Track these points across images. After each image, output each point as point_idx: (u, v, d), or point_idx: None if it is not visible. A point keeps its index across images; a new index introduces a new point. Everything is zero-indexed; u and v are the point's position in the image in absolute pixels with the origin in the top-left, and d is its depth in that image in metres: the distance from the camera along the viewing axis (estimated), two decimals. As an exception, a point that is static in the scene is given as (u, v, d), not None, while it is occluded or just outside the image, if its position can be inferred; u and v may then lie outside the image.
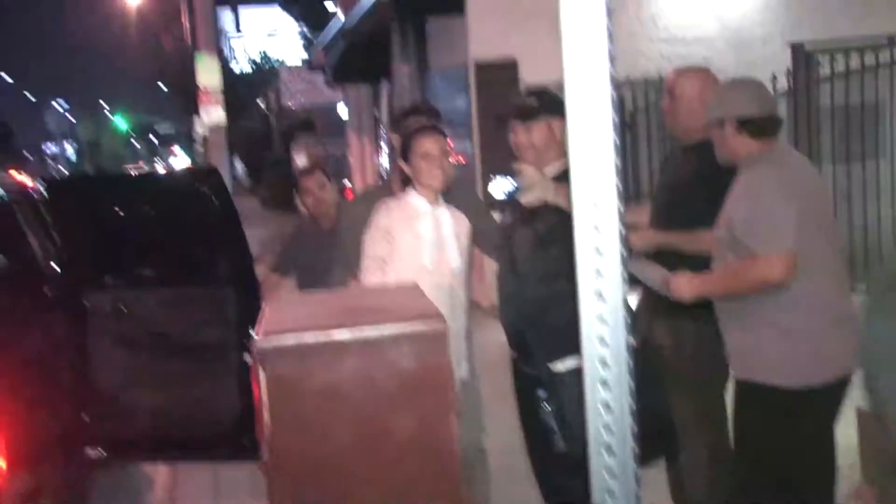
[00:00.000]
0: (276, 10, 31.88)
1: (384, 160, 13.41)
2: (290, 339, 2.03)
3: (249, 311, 4.47)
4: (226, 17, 36.87)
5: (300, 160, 22.47)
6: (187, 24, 20.40)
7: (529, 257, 3.14)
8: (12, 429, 3.54)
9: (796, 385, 2.80)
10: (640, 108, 8.82)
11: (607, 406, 1.21)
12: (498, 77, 8.68)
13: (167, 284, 4.47)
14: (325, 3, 20.95)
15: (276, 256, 4.77)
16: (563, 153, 3.10)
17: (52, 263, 4.60)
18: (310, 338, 2.04)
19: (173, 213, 4.66)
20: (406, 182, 3.46)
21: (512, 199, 3.33)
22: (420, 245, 3.37)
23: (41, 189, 4.76)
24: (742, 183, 2.93)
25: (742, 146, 2.99)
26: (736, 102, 2.99)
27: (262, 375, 2.03)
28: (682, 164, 3.50)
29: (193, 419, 4.36)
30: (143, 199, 4.55)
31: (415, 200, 3.44)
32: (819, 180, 3.21)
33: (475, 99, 8.73)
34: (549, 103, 3.19)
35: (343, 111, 20.59)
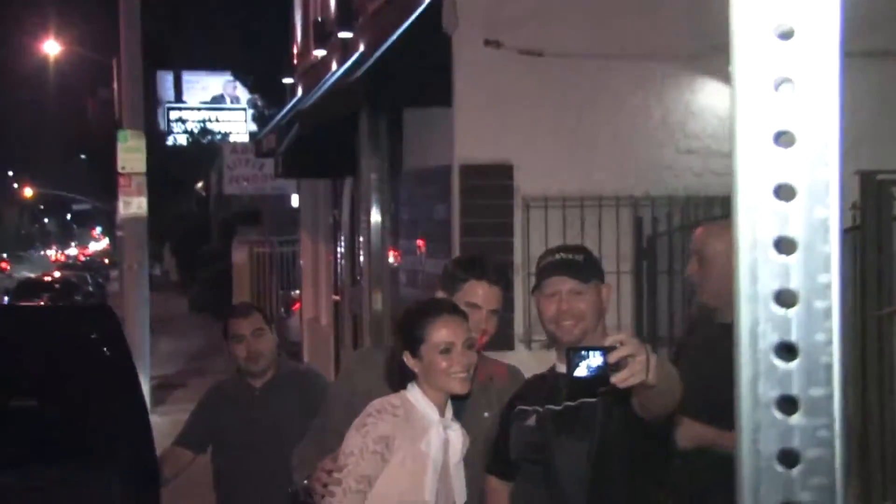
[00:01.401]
0: (225, 79, 32.06)
1: (343, 272, 13.04)
2: None
3: (139, 500, 4.06)
4: (167, 82, 37.07)
5: (239, 257, 22.33)
6: (116, 90, 20.24)
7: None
8: None
9: None
10: (661, 231, 8.58)
11: None
12: (488, 183, 8.48)
13: (26, 462, 3.98)
14: (284, 79, 20.91)
15: (186, 423, 4.36)
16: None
17: None
18: None
19: (48, 361, 4.23)
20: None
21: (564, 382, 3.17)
22: (423, 473, 3.14)
23: None
24: None
25: None
26: None
27: None
28: (722, 345, 3.28)
29: None
30: (9, 340, 4.07)
31: (422, 405, 3.21)
32: None
33: (458, 207, 8.46)
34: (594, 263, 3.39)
35: (296, 202, 20.31)
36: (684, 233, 8.66)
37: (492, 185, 8.47)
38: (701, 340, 3.75)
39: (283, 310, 17.97)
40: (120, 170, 12.45)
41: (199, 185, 37.11)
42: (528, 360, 8.44)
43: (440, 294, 3.43)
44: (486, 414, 3.46)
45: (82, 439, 4.20)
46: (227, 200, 30.86)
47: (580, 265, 3.31)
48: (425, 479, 3.14)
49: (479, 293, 3.39)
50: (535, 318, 8.47)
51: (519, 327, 8.43)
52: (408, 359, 3.21)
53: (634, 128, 8.69)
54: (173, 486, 4.35)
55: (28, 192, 62.67)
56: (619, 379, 2.54)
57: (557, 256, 3.36)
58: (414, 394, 3.20)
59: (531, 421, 3.27)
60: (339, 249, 13.52)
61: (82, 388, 4.21)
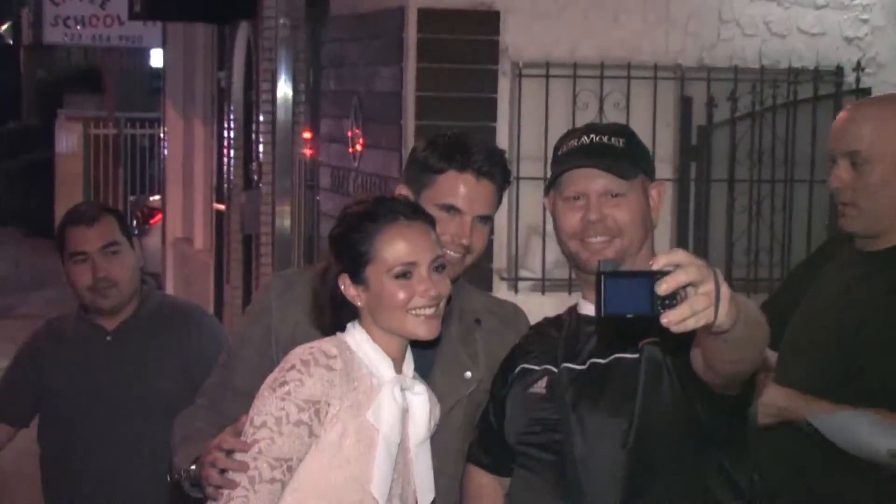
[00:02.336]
0: None
1: (230, 169, 13.11)
2: None
3: None
4: None
5: (66, 141, 22.20)
6: None
7: None
8: None
9: None
10: (721, 119, 8.73)
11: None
12: (460, 37, 8.55)
13: None
14: None
15: None
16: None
17: None
18: None
19: None
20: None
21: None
22: (368, 455, 3.22)
23: None
24: None
25: None
26: None
27: None
28: (873, 284, 3.57)
29: None
30: None
31: (369, 356, 3.30)
32: None
33: (413, 73, 8.56)
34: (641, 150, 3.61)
35: (158, 61, 20.24)
36: (757, 122, 8.83)
37: (465, 40, 8.50)
38: (832, 274, 3.82)
39: (134, 224, 18.05)
40: None
41: (2, 28, 36.71)
42: (513, 308, 8.64)
43: (402, 191, 3.51)
44: (467, 374, 3.54)
45: None
46: (49, 54, 30.58)
47: (619, 153, 3.38)
48: (373, 465, 3.20)
49: (460, 190, 3.43)
50: (524, 244, 8.65)
51: (500, 259, 8.58)
52: (346, 286, 3.29)
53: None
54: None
55: None
56: (673, 319, 2.44)
57: (586, 139, 3.39)
58: (356, 339, 3.27)
59: (540, 386, 3.33)
60: (225, 134, 13.55)
61: None
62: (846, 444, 3.40)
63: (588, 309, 3.23)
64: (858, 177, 3.58)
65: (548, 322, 3.52)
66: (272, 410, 3.15)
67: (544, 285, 8.62)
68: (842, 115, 3.81)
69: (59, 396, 4.37)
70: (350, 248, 3.29)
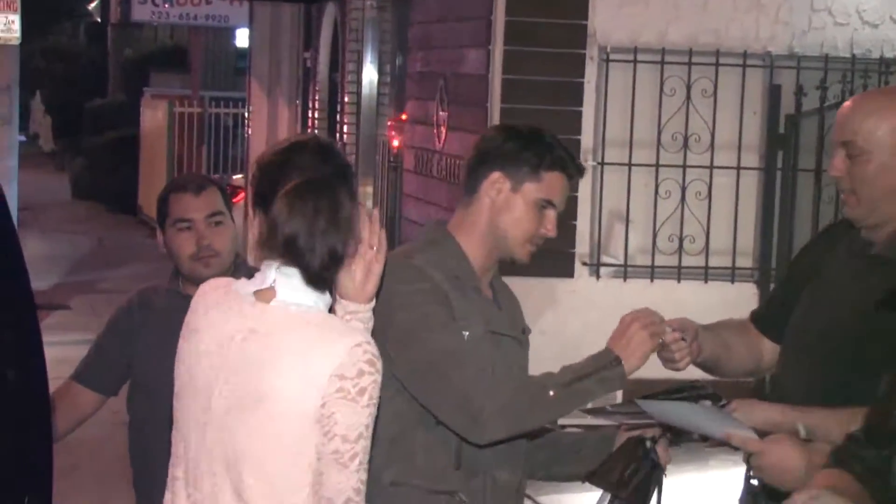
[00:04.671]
0: None
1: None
2: None
3: (20, 460, 4.19)
4: None
5: (151, 119, 22.33)
6: None
7: None
8: None
9: None
10: (810, 108, 8.67)
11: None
12: (548, 21, 8.58)
13: None
14: None
15: (89, 352, 4.51)
16: None
17: None
18: None
19: None
20: None
21: None
22: None
23: None
24: None
25: None
26: None
27: None
28: (875, 283, 3.49)
29: None
30: None
31: None
32: None
33: (500, 56, 8.57)
34: None
35: (244, 41, 20.32)
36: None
37: (554, 25, 8.52)
38: (838, 264, 3.74)
39: (218, 202, 18.18)
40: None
41: (92, 5, 37.00)
42: (594, 293, 8.60)
43: (497, 178, 3.56)
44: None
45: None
46: (136, 32, 30.79)
47: None
48: None
49: (562, 189, 3.59)
50: (607, 230, 8.62)
51: (583, 244, 8.56)
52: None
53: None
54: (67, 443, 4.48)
55: None
56: None
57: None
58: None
59: None
60: (310, 114, 13.60)
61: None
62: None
63: None
64: (854, 166, 3.59)
65: None
66: (364, 420, 3.18)
67: (626, 272, 8.62)
68: (845, 104, 3.83)
69: (147, 365, 4.36)
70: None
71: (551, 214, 3.55)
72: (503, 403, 3.31)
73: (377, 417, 3.20)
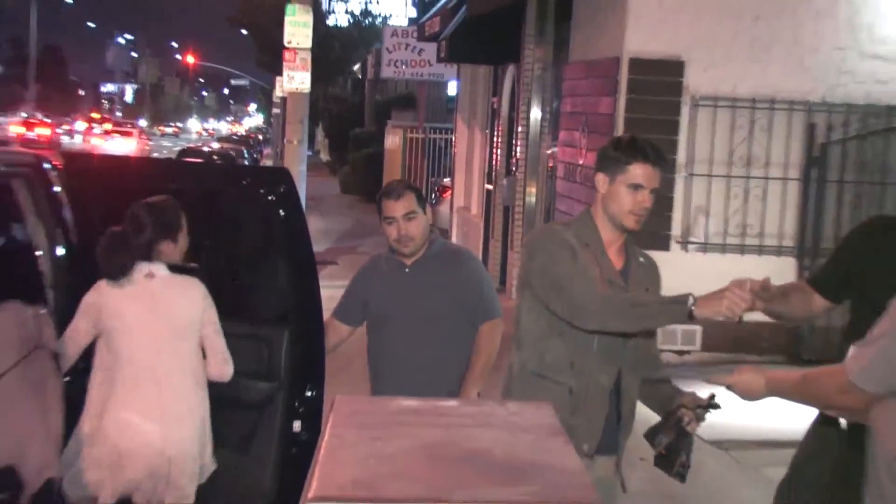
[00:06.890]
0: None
1: (497, 162, 13.08)
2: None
3: (306, 363, 4.23)
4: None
5: (392, 141, 22.58)
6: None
7: None
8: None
9: None
10: (835, 139, 8.34)
11: None
12: (657, 78, 8.37)
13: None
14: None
15: (343, 296, 4.50)
16: None
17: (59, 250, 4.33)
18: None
19: (225, 218, 4.41)
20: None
21: None
22: None
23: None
24: None
25: None
26: None
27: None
28: None
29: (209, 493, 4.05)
30: (190, 193, 4.23)
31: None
32: None
33: (624, 101, 8.38)
34: None
35: (453, 90, 20.33)
36: (861, 142, 8.43)
37: (660, 80, 8.35)
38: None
39: (433, 196, 18.19)
40: (286, 43, 12.61)
41: (356, 67, 37.41)
42: (684, 262, 8.43)
43: (601, 177, 3.46)
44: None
45: (257, 295, 4.39)
46: (383, 84, 31.07)
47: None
48: None
49: (644, 173, 3.39)
50: (693, 218, 8.42)
51: (676, 228, 8.39)
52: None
53: (816, 28, 8.40)
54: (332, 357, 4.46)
55: (190, 59, 64.02)
56: None
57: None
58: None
59: None
60: (494, 139, 13.56)
61: (256, 247, 4.36)
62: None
63: None
64: None
65: None
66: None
67: (706, 248, 8.41)
68: None
69: (377, 306, 4.35)
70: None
71: (642, 193, 3.37)
72: (599, 306, 3.20)
73: (527, 324, 3.37)
